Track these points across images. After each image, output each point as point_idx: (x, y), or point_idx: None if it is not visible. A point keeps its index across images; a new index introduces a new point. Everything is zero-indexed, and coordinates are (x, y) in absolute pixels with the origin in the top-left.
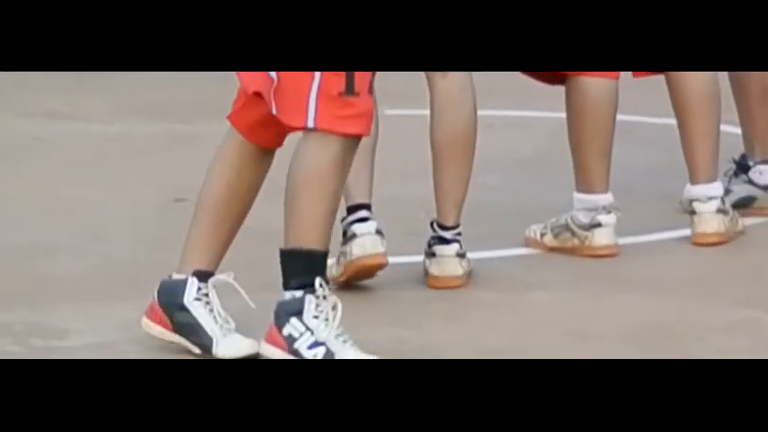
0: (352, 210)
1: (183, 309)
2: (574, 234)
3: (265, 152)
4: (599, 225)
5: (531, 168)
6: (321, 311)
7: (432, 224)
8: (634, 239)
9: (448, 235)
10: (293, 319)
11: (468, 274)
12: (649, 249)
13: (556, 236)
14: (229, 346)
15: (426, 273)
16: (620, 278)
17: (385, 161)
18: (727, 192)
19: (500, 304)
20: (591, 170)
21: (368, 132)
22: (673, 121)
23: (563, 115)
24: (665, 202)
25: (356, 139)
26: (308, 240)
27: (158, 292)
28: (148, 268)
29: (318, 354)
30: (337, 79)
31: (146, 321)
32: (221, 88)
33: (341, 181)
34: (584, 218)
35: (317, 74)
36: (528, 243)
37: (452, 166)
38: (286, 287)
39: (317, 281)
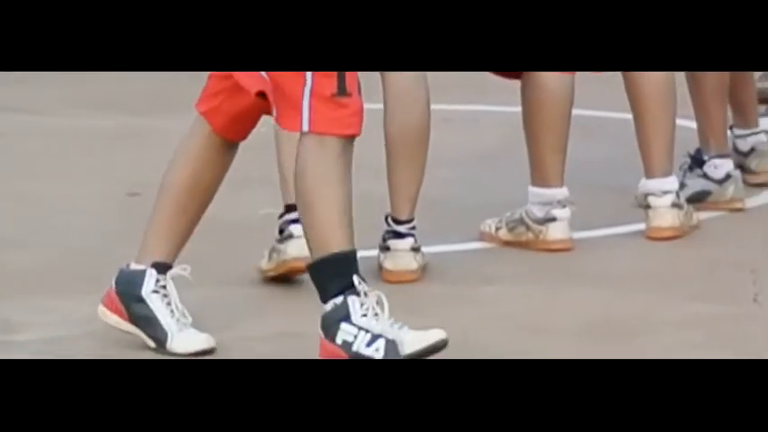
0: (290, 208)
1: (141, 300)
2: (528, 228)
3: (231, 145)
4: (554, 219)
5: (487, 162)
6: (368, 309)
7: (386, 218)
8: (589, 234)
9: (402, 229)
10: (343, 325)
11: (423, 269)
12: (604, 243)
13: (511, 230)
14: (184, 341)
15: (381, 267)
16: (575, 272)
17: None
18: (682, 186)
19: (454, 298)
20: (546, 164)
21: (360, 132)
22: (628, 116)
23: (518, 110)
24: (619, 197)
25: (353, 138)
26: (334, 245)
27: (116, 281)
28: (103, 262)
29: (379, 347)
30: (329, 81)
31: (102, 309)
32: (174, 83)
33: (348, 179)
34: (538, 212)
35: (309, 76)
36: (483, 237)
37: (406, 161)
38: (325, 298)
39: (355, 279)
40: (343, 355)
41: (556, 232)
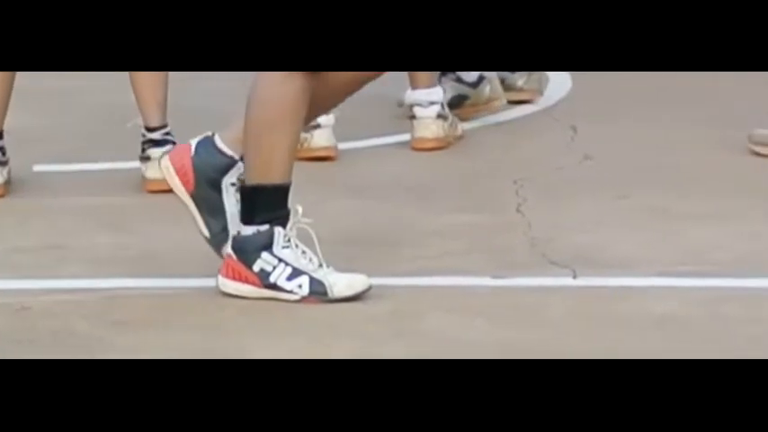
0: None
1: (217, 187)
2: None
3: None
4: (318, 126)
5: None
6: (289, 242)
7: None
8: (354, 144)
9: (157, 136)
10: (264, 254)
11: None
12: (369, 154)
13: None
14: None
15: (143, 177)
16: (339, 183)
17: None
18: None
19: None
20: None
21: None
22: None
23: None
24: (385, 107)
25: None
26: (275, 176)
27: (197, 155)
28: None
29: (303, 284)
30: None
31: (166, 164)
32: None
33: (304, 114)
34: None
35: None
36: None
37: None
38: (248, 222)
39: (288, 212)
40: (257, 283)
41: (320, 139)
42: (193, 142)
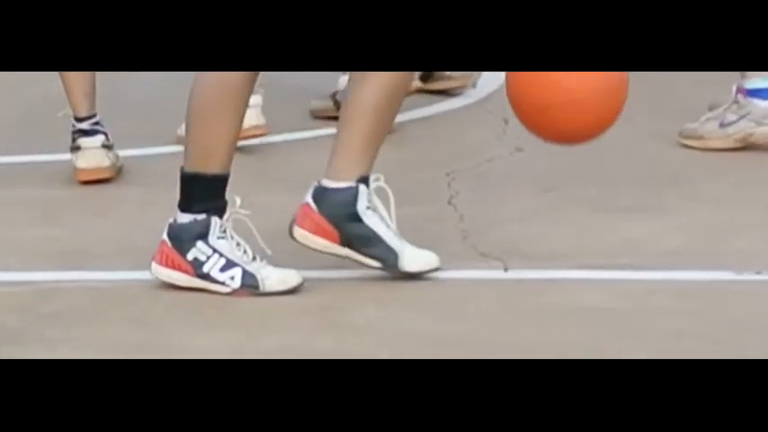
0: None
1: (358, 219)
2: None
3: None
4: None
5: None
6: (225, 233)
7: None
8: (281, 137)
9: (86, 126)
10: (199, 243)
11: (118, 170)
12: (298, 147)
13: None
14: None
15: (75, 168)
16: (267, 176)
17: None
18: None
19: (150, 201)
20: None
21: None
22: None
23: None
24: (308, 102)
25: None
26: (214, 165)
27: (318, 201)
28: None
29: (235, 276)
30: None
31: (303, 233)
32: None
33: (247, 102)
34: None
35: None
36: (180, 141)
37: None
38: (186, 210)
39: (225, 203)
40: (190, 272)
41: (249, 119)
42: (308, 200)
